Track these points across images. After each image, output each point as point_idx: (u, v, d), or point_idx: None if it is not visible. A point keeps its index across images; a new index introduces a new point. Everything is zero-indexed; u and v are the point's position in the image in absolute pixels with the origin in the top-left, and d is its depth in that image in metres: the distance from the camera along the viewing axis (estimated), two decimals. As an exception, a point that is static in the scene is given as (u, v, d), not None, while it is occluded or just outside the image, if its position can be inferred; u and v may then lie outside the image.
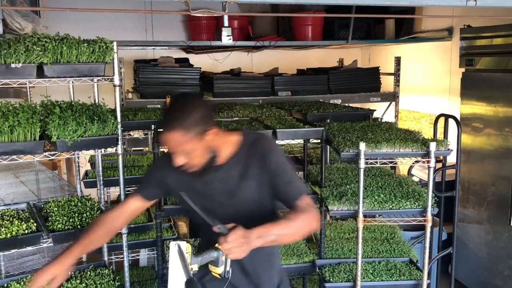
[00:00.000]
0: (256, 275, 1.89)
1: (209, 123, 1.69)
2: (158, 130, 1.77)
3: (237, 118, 3.45)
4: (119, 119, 2.52)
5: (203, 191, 1.81)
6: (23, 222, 2.29)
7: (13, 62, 2.24)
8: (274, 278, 1.96)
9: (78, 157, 3.05)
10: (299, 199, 1.73)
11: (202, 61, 5.41)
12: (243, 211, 1.79)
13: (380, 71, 5.02)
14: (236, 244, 1.50)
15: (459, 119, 3.54)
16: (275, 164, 1.76)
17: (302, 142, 3.69)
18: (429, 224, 2.64)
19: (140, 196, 1.93)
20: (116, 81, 2.55)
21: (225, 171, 1.78)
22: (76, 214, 2.46)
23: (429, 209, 2.60)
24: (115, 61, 2.53)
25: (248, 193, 1.78)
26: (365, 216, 2.64)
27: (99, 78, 2.50)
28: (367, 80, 4.94)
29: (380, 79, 5.01)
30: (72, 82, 2.54)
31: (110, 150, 2.65)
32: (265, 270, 1.91)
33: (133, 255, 3.75)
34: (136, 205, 1.94)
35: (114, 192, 3.76)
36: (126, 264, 2.70)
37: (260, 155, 1.76)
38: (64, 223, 2.37)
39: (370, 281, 2.75)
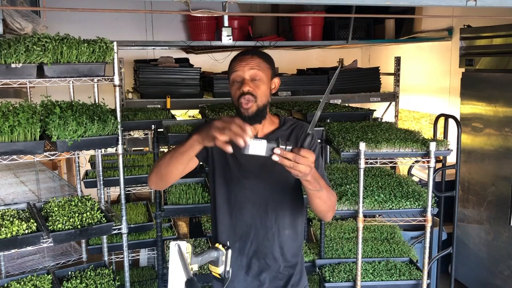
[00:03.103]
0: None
1: (275, 75, 1.89)
2: (241, 55, 1.83)
3: (237, 118, 3.44)
4: (119, 119, 2.52)
5: (240, 161, 1.84)
6: (23, 222, 2.29)
7: (13, 62, 2.24)
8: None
9: (78, 157, 3.05)
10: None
11: (202, 61, 5.41)
12: (274, 188, 1.85)
13: (380, 71, 5.02)
14: (305, 162, 1.49)
15: (459, 119, 3.54)
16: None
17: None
18: (429, 224, 2.64)
19: None
20: (116, 81, 2.55)
21: None
22: (76, 214, 2.46)
23: (429, 209, 2.60)
24: (115, 61, 2.52)
25: (284, 170, 1.78)
26: (365, 216, 2.63)
27: (99, 78, 2.49)
28: (367, 80, 4.94)
29: (380, 79, 5.01)
30: (72, 82, 2.54)
31: (110, 150, 2.65)
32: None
33: (133, 255, 3.75)
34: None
35: (114, 192, 3.77)
36: (126, 264, 2.70)
37: (301, 138, 1.86)
38: (64, 223, 2.37)
39: (370, 281, 2.75)
